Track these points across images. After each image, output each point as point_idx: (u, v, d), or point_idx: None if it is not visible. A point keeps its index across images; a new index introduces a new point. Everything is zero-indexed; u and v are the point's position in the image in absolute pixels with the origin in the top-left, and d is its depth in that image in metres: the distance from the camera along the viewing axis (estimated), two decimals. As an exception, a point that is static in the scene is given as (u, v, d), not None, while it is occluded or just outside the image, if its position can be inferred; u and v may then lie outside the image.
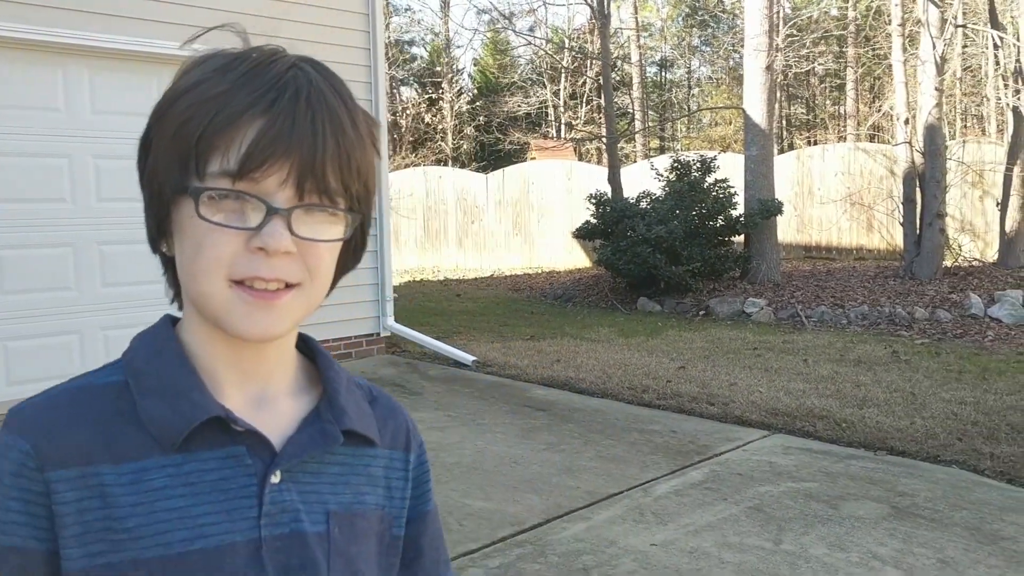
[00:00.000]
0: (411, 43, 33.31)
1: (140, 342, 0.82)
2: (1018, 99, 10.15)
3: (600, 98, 21.78)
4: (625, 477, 4.33)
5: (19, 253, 5.69)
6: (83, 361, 6.00)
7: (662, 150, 28.93)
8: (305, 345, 0.88)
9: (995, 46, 10.56)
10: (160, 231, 0.78)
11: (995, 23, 10.98)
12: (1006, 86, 10.67)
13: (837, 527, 3.65)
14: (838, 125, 28.42)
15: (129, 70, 6.12)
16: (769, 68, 11.10)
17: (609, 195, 12.53)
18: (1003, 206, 10.87)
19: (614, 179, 13.20)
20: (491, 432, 5.17)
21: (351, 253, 0.84)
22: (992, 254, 11.70)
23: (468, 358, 7.19)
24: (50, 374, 5.79)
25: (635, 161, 22.16)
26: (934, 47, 9.90)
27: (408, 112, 28.12)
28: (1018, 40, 10.54)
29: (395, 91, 30.10)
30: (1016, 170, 10.53)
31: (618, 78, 27.97)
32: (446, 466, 4.52)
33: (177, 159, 0.74)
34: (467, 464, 4.56)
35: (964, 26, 11.22)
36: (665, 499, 4.01)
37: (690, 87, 34.48)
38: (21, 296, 5.71)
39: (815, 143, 26.14)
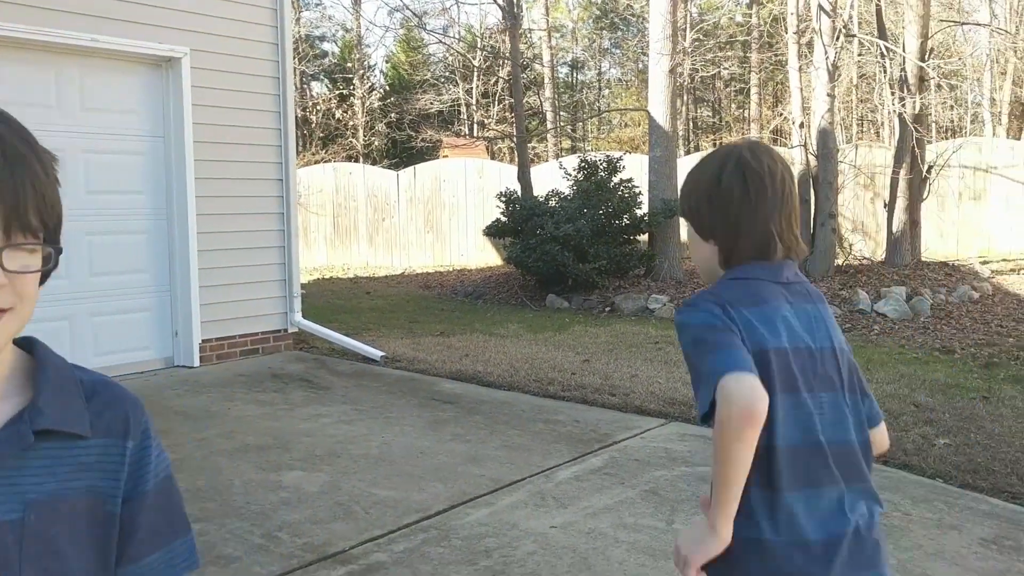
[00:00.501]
0: (322, 38, 32.95)
1: None
2: (903, 106, 10.73)
3: (512, 97, 22.02)
4: (528, 465, 4.47)
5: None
6: (72, 346, 6.24)
7: (573, 150, 29.32)
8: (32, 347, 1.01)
9: (882, 55, 11.13)
10: None
11: (883, 34, 11.57)
12: (892, 94, 11.26)
13: (726, 507, 3.87)
14: (742, 128, 29.34)
15: (117, 69, 6.42)
16: (672, 72, 11.45)
17: (519, 193, 12.71)
18: (890, 208, 11.47)
19: (524, 178, 13.39)
20: (399, 424, 5.25)
21: (44, 274, 0.98)
22: (882, 253, 12.32)
23: (377, 354, 7.24)
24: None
25: (547, 160, 22.45)
26: (826, 55, 10.38)
27: (318, 108, 27.80)
28: (904, 51, 11.13)
29: (305, 86, 29.72)
30: (902, 173, 11.12)
31: (530, 78, 28.24)
32: (353, 457, 4.59)
33: None
34: (374, 456, 4.64)
35: (854, 36, 11.79)
36: (566, 484, 4.17)
37: (600, 88, 35.06)
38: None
39: (721, 145, 26.89)
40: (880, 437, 1.62)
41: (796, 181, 1.50)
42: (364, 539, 3.51)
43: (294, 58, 26.38)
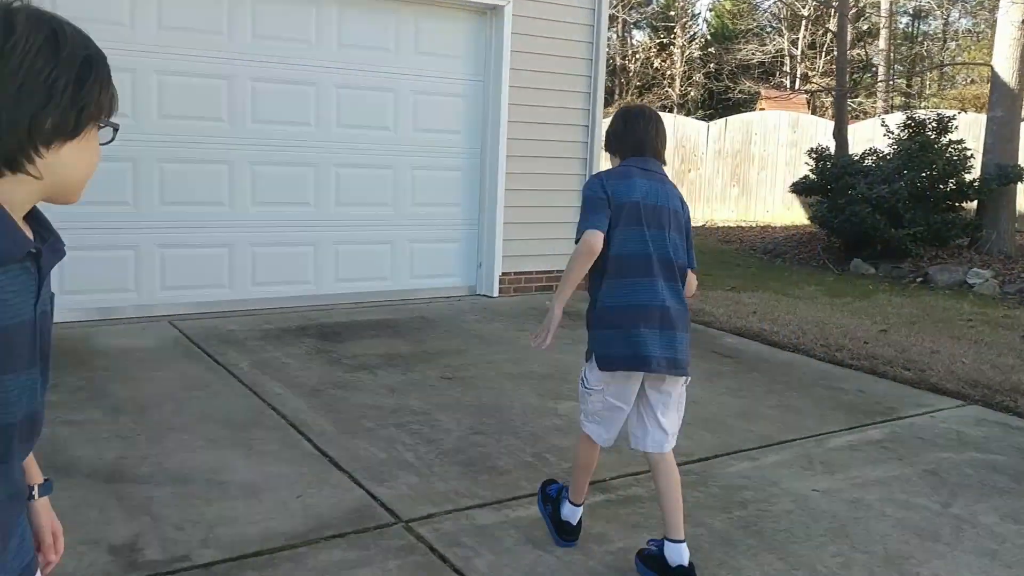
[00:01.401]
0: (647, -14, 32.80)
1: None
2: None
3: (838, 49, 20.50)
4: (801, 427, 4.39)
5: (273, 170, 6.50)
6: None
7: (906, 106, 27.02)
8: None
9: None
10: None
11: None
12: None
13: (1016, 501, 3.58)
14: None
15: (371, 8, 6.71)
16: (1027, 22, 10.18)
17: (832, 151, 12.06)
18: None
19: (840, 134, 12.68)
20: (675, 371, 5.34)
21: None
22: None
23: (665, 302, 7.33)
24: (288, 279, 6.63)
25: (874, 116, 20.94)
26: None
27: (637, 56, 27.90)
28: None
29: (627, 35, 29.90)
30: None
31: (865, 28, 26.32)
32: (626, 396, 4.76)
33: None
34: (647, 397, 4.78)
35: None
36: (837, 452, 4.06)
37: (945, 40, 31.78)
38: (270, 208, 6.51)
39: None
40: (690, 279, 2.88)
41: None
42: (625, 473, 3.68)
43: (617, 5, 26.64)
